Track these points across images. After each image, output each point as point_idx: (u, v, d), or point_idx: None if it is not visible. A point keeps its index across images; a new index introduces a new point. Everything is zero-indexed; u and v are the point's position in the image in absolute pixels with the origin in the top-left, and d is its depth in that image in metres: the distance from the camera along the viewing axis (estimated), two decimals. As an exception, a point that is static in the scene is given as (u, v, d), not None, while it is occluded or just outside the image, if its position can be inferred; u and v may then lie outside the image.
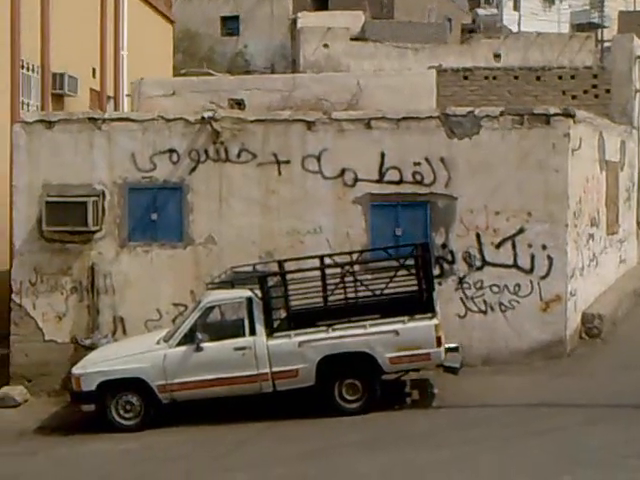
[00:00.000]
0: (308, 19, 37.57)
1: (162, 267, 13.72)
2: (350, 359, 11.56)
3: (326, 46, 34.90)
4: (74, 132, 13.77)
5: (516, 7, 52.54)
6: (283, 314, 12.11)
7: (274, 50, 40.04)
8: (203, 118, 13.56)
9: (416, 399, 12.18)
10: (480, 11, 45.18)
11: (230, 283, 12.63)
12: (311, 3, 42.66)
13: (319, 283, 12.34)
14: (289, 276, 12.20)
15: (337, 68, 33.00)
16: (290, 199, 13.61)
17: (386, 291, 12.25)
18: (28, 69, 18.80)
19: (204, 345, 11.66)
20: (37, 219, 13.65)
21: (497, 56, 34.20)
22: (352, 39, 35.96)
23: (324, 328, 11.71)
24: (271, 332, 11.71)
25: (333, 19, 37.26)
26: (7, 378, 13.64)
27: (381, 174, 13.49)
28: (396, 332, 11.53)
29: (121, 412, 11.69)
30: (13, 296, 13.79)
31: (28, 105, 18.94)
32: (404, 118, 13.51)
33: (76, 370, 11.94)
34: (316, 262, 12.69)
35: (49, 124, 13.80)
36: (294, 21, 38.60)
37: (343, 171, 13.53)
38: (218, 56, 39.61)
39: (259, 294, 11.80)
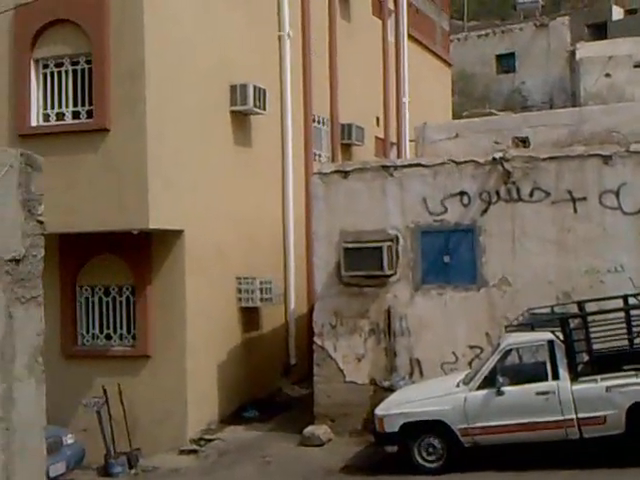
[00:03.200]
0: (587, 49, 36.35)
1: (456, 309, 13.74)
2: (665, 406, 10.86)
3: (608, 75, 33.50)
4: (367, 180, 14.27)
5: None
6: (585, 357, 11.64)
7: (552, 84, 39.13)
8: (494, 159, 13.51)
9: None
10: None
11: (530, 325, 12.36)
12: (589, 33, 41.33)
13: (623, 325, 11.76)
14: (590, 317, 11.73)
15: (621, 97, 31.53)
16: (587, 237, 13.13)
17: (701, 333, 11.39)
18: (319, 122, 19.86)
19: (505, 389, 11.47)
20: (336, 265, 14.22)
21: None
22: (636, 66, 34.26)
23: (632, 372, 11.10)
24: (575, 376, 11.29)
25: (614, 47, 35.71)
26: (311, 417, 14.25)
27: (689, 207, 12.67)
28: None
29: (424, 454, 11.72)
30: (315, 338, 14.42)
31: (319, 156, 19.97)
32: None
33: (379, 411, 12.15)
34: (619, 302, 12.11)
35: (344, 174, 14.42)
36: (572, 53, 37.52)
37: (645, 206, 12.88)
38: (494, 94, 39.42)
39: (561, 336, 11.45)
